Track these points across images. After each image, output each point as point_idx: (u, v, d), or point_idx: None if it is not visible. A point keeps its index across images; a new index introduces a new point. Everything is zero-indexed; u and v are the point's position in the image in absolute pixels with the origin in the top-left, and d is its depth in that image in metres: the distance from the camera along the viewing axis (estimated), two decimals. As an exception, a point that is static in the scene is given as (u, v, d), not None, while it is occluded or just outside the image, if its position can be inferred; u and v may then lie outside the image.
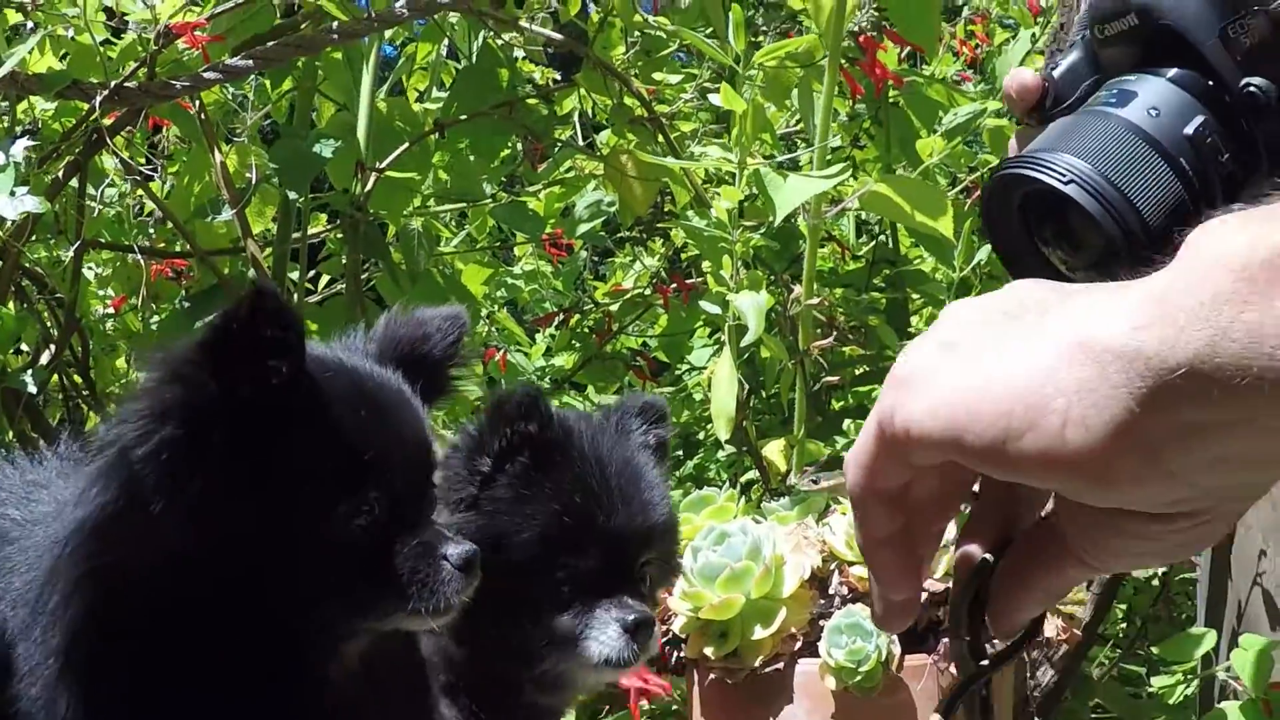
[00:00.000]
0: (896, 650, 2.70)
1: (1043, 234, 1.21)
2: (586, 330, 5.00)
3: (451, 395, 1.92)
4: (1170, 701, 4.11)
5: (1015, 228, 1.23)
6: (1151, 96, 1.17)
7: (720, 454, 4.77)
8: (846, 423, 4.09)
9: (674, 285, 4.41)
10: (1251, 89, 1.14)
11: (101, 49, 3.37)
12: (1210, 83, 1.16)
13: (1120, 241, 1.12)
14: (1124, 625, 4.65)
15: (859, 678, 2.66)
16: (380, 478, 1.60)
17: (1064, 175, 1.14)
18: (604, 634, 2.06)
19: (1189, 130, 1.15)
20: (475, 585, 1.69)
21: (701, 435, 4.87)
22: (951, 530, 2.77)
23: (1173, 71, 1.18)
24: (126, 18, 3.45)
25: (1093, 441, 0.88)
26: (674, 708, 3.15)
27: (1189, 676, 4.06)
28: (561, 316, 5.19)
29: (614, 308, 4.94)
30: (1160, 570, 4.62)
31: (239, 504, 1.52)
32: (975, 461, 0.96)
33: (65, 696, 1.56)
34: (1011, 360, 0.93)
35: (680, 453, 4.81)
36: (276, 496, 1.54)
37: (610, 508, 2.09)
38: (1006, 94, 1.30)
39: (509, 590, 1.98)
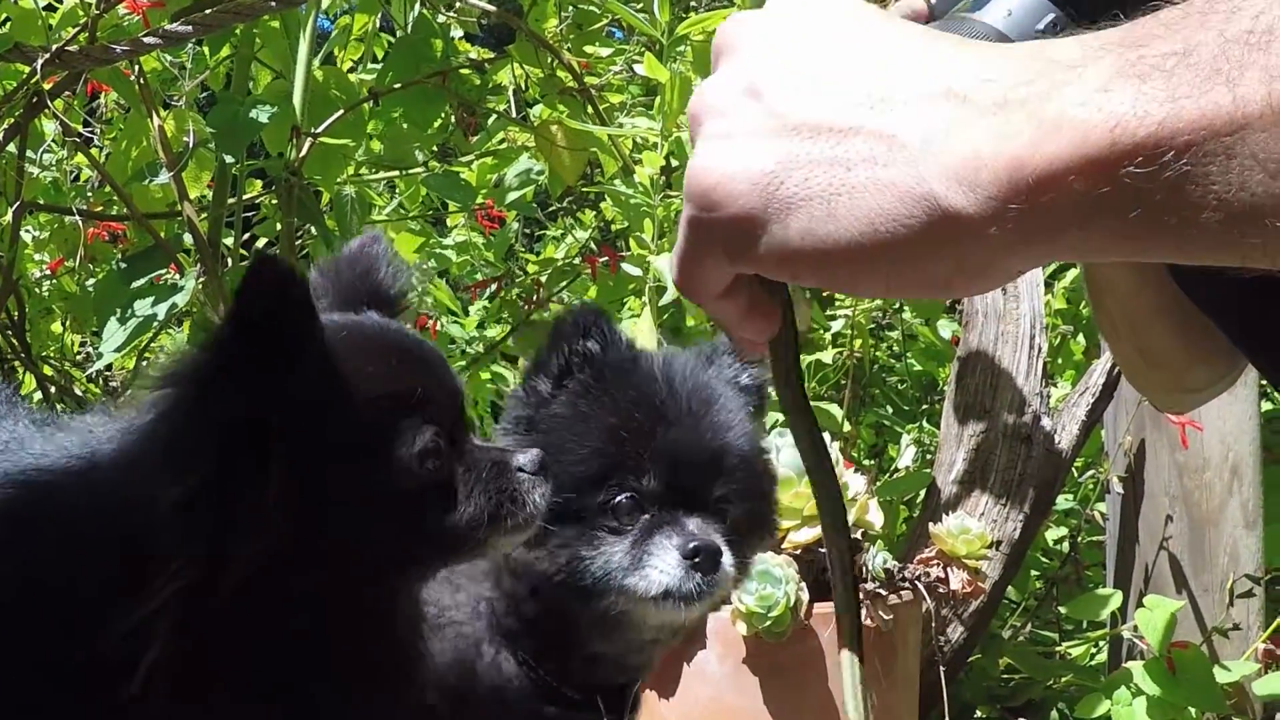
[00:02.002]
0: (805, 597, 2.82)
1: None
2: (515, 299, 5.06)
3: (409, 308, 1.90)
4: (1081, 663, 4.23)
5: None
6: (1007, 0, 1.25)
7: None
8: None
9: (603, 257, 4.48)
10: None
11: (43, 13, 3.41)
12: None
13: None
14: (1038, 587, 4.77)
15: (769, 623, 2.78)
16: (430, 414, 1.60)
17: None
18: (662, 561, 1.91)
19: (1040, 26, 1.21)
20: (549, 490, 1.69)
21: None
22: (859, 483, 2.87)
23: None
24: (67, -19, 3.50)
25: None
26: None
27: (1099, 641, 4.20)
28: (494, 286, 5.23)
29: (544, 277, 5.00)
30: (1069, 534, 4.75)
31: (312, 486, 1.50)
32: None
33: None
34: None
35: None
36: (344, 463, 1.54)
37: (675, 425, 1.95)
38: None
39: (566, 514, 1.88)
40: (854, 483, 2.93)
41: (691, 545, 1.88)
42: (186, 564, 1.46)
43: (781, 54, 1.01)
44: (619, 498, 1.91)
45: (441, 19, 3.95)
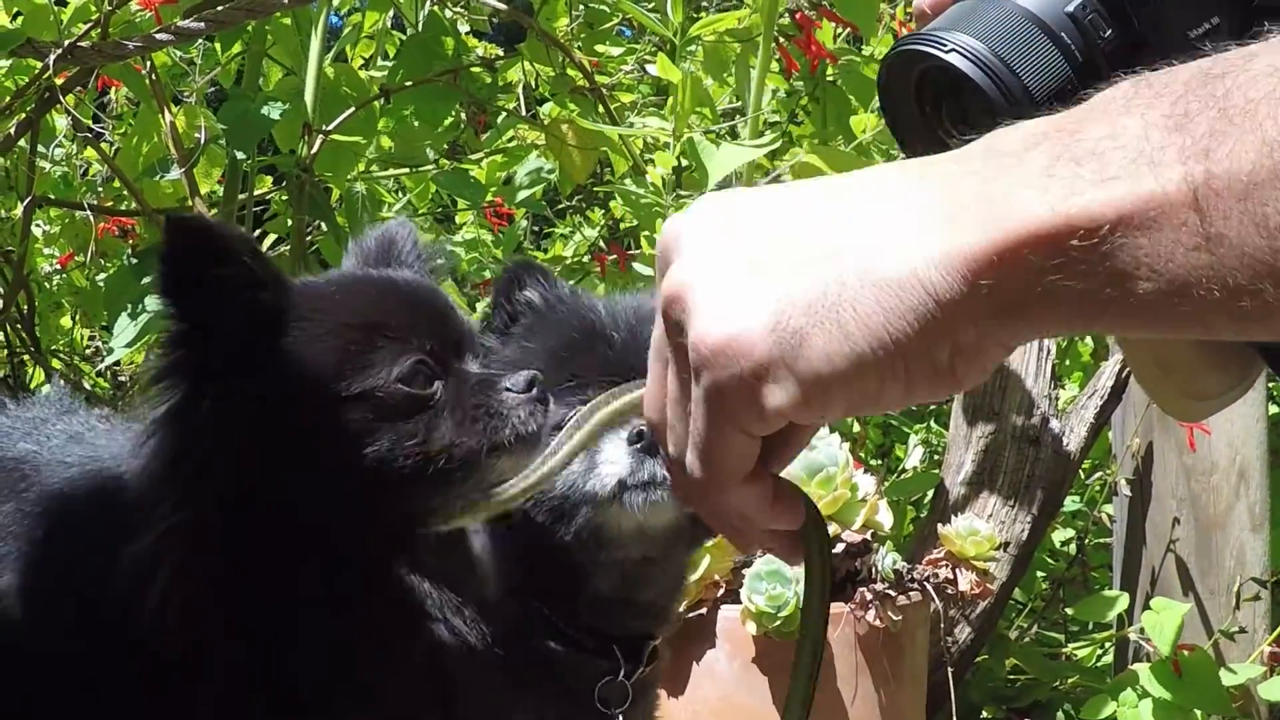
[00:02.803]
0: (815, 597, 2.82)
1: (938, 112, 1.25)
2: (526, 297, 5.04)
3: (442, 278, 1.95)
4: (1087, 665, 4.24)
5: (911, 106, 1.26)
6: None
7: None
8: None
9: (612, 255, 4.48)
10: None
11: (55, 8, 3.42)
12: None
13: (1004, 109, 1.16)
14: (1045, 589, 4.77)
15: (778, 622, 2.79)
16: (417, 341, 1.64)
17: (945, 45, 1.20)
18: (609, 453, 1.90)
19: (1070, 8, 1.20)
20: (548, 410, 1.69)
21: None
22: (868, 484, 2.88)
23: None
24: (80, -22, 3.50)
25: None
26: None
27: (1105, 643, 4.20)
28: (502, 283, 5.22)
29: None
30: (1076, 536, 4.75)
31: (282, 415, 1.59)
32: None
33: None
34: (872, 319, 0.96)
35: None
36: (317, 390, 1.60)
37: (615, 339, 1.95)
38: (918, 10, 1.34)
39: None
40: (863, 483, 2.94)
41: (636, 430, 1.86)
42: (170, 504, 1.57)
43: (734, 222, 1.02)
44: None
45: (449, 13, 3.95)
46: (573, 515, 1.92)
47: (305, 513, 1.60)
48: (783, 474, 1.12)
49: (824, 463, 2.85)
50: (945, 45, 1.21)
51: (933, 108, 1.25)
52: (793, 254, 0.98)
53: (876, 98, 3.81)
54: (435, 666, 1.84)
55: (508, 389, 1.67)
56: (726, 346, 0.97)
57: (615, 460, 1.89)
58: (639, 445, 1.88)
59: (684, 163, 3.16)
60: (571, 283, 4.86)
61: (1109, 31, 1.20)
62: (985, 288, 0.92)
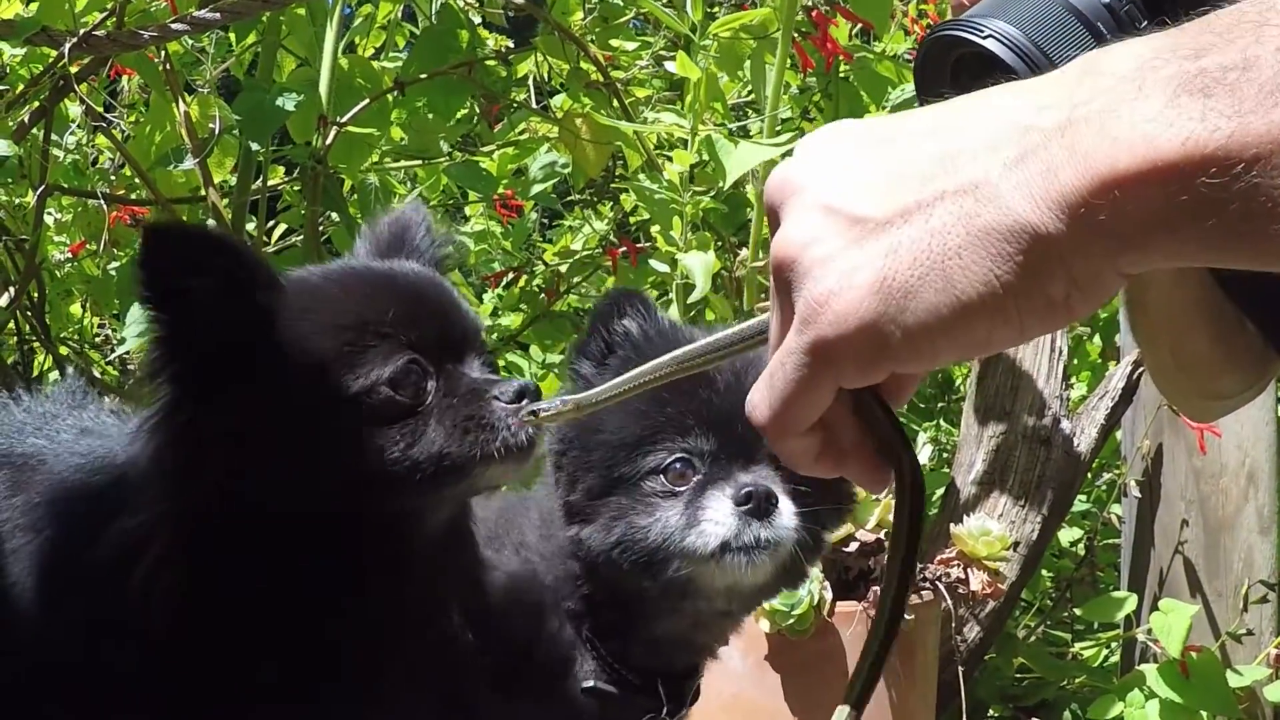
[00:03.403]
0: (829, 596, 2.83)
1: None
2: (535, 290, 5.05)
3: (455, 266, 1.94)
4: (1094, 665, 4.24)
5: (946, 91, 1.26)
6: None
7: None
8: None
9: (622, 249, 4.48)
10: None
11: (70, -3, 3.42)
12: None
13: None
14: (1051, 589, 4.77)
15: (791, 621, 2.79)
16: (411, 341, 1.63)
17: (982, 30, 1.22)
18: (716, 513, 1.85)
19: (1106, 0, 1.23)
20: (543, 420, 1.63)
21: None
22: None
23: None
24: (96, -33, 3.50)
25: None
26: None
27: (1111, 643, 4.21)
28: (511, 276, 5.23)
29: (563, 268, 5.00)
30: (1085, 536, 4.76)
31: (270, 411, 1.60)
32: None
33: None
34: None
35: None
36: (305, 387, 1.60)
37: (720, 382, 1.89)
38: (955, 1, 1.37)
39: (614, 484, 1.86)
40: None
41: (744, 491, 1.82)
42: (161, 495, 1.60)
43: (838, 171, 1.03)
44: (669, 460, 1.87)
45: (461, 2, 3.94)
46: (663, 568, 1.87)
47: (292, 510, 1.60)
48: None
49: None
50: (983, 31, 1.22)
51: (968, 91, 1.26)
52: (894, 198, 0.98)
53: (889, 94, 3.85)
54: (444, 669, 1.83)
55: (496, 398, 1.64)
56: (829, 308, 0.99)
57: (720, 521, 1.84)
58: (746, 508, 1.84)
59: (703, 157, 3.15)
60: (582, 277, 4.90)
61: (1144, 24, 1.22)
62: (1103, 222, 0.90)
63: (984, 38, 1.22)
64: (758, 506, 1.83)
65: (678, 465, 1.87)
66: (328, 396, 1.60)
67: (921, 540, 1.16)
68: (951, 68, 1.29)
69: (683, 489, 1.86)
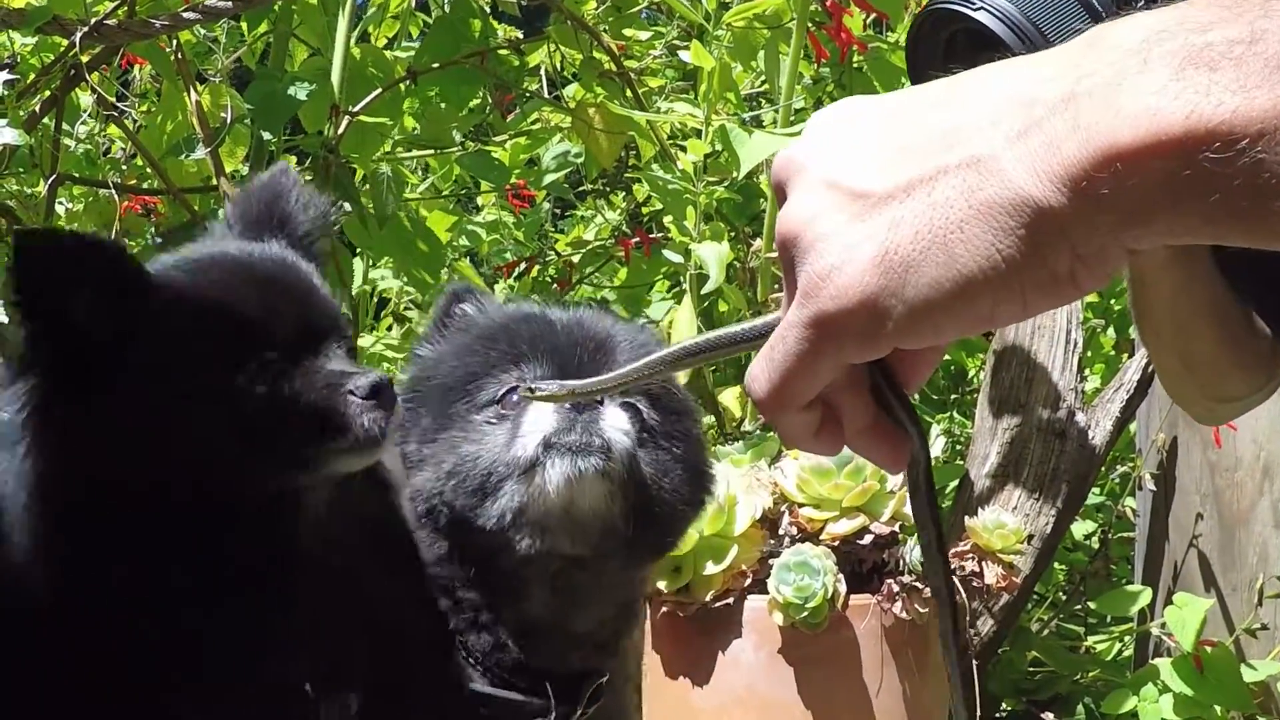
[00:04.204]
0: (842, 589, 2.81)
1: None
2: (548, 280, 5.05)
3: (329, 235, 1.94)
4: (1107, 659, 4.23)
5: (939, 70, 1.23)
6: None
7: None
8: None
9: (635, 239, 4.48)
10: None
11: (81, -15, 3.40)
12: None
13: None
14: (1065, 583, 4.76)
15: (805, 614, 2.78)
16: (267, 337, 1.67)
17: (974, 3, 1.21)
18: (537, 416, 1.81)
19: None
20: (395, 416, 1.68)
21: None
22: (897, 476, 2.87)
23: None
24: (108, -45, 3.49)
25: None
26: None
27: (1124, 636, 4.20)
28: (523, 266, 5.24)
29: (576, 259, 5.00)
30: (1099, 529, 4.74)
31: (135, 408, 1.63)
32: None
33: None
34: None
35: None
36: (164, 384, 1.64)
37: (554, 325, 1.91)
38: None
39: (447, 421, 1.87)
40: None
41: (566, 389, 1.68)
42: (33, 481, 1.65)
43: (842, 147, 1.03)
44: (502, 391, 1.85)
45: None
46: (495, 493, 1.82)
47: (159, 502, 1.64)
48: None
49: (853, 454, 2.83)
50: (974, 4, 1.21)
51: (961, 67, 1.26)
52: (897, 172, 0.98)
53: (902, 85, 3.84)
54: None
55: (351, 391, 1.66)
56: (830, 282, 0.99)
57: (540, 420, 1.80)
58: (568, 408, 1.80)
59: (716, 146, 3.14)
60: (595, 267, 4.89)
61: (1141, 3, 1.19)
62: (1106, 195, 0.89)
63: (975, 10, 1.21)
64: (581, 407, 1.79)
65: (513, 397, 1.85)
66: (189, 395, 1.64)
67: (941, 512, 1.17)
68: (944, 46, 1.28)
69: (510, 414, 1.84)
